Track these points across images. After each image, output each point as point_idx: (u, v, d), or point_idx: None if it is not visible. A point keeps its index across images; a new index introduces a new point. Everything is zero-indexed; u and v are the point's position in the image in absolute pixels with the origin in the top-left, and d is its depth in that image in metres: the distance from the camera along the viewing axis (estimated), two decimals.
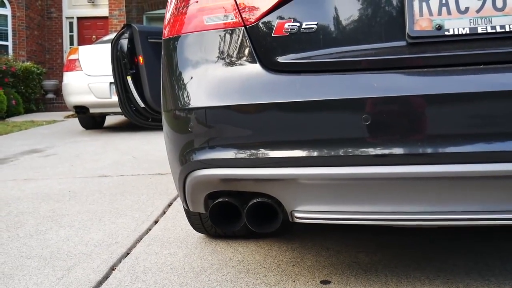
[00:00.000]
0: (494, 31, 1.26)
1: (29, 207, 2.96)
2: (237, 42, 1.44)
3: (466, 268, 1.80)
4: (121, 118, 8.60)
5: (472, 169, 1.21)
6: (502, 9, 1.26)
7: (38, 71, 12.30)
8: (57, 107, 12.81)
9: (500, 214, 1.30)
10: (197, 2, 1.52)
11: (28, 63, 12.35)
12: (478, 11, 1.27)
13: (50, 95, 13.44)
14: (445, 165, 1.23)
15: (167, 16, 1.63)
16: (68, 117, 10.27)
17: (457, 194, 1.30)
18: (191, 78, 1.49)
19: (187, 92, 1.49)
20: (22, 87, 11.53)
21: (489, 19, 1.26)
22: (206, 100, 1.44)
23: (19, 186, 3.59)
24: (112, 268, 1.95)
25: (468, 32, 1.27)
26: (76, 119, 7.97)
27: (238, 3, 1.44)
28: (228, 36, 1.46)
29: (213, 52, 1.47)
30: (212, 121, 1.43)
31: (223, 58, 1.45)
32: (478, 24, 1.27)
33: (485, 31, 1.26)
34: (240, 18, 1.44)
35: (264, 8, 1.41)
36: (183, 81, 1.51)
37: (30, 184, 3.66)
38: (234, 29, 1.44)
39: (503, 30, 1.25)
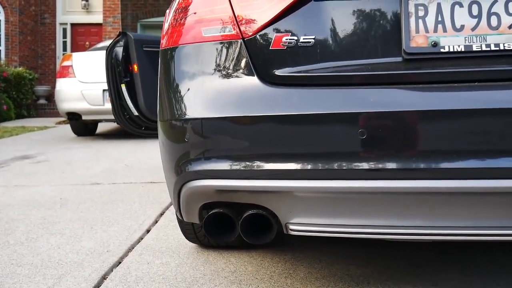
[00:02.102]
0: (488, 49, 1.28)
1: (19, 214, 2.94)
2: (234, 54, 1.45)
3: (460, 282, 1.81)
4: (113, 125, 8.57)
5: (466, 185, 1.23)
6: (496, 28, 1.28)
7: (30, 77, 12.26)
8: (48, 113, 12.74)
9: (494, 230, 1.31)
10: (195, 13, 1.53)
11: (20, 68, 12.31)
12: (473, 29, 1.29)
13: (42, 101, 13.38)
14: (440, 181, 1.24)
15: (165, 26, 1.63)
16: (59, 123, 10.22)
17: (451, 209, 1.32)
18: (188, 89, 1.49)
19: (184, 103, 1.49)
20: (13, 92, 11.48)
21: (483, 37, 1.28)
22: (203, 111, 1.44)
23: (10, 193, 3.56)
24: (104, 277, 1.94)
25: (463, 49, 1.29)
26: (68, 126, 7.94)
27: (236, 16, 1.45)
28: (225, 48, 1.46)
29: (210, 64, 1.47)
30: (209, 132, 1.43)
31: (220, 70, 1.46)
32: (473, 42, 1.29)
33: (480, 49, 1.28)
34: (238, 31, 1.45)
35: (262, 21, 1.42)
36: (180, 91, 1.51)
37: (21, 190, 3.63)
38: (232, 42, 1.45)
39: (497, 49, 1.27)
